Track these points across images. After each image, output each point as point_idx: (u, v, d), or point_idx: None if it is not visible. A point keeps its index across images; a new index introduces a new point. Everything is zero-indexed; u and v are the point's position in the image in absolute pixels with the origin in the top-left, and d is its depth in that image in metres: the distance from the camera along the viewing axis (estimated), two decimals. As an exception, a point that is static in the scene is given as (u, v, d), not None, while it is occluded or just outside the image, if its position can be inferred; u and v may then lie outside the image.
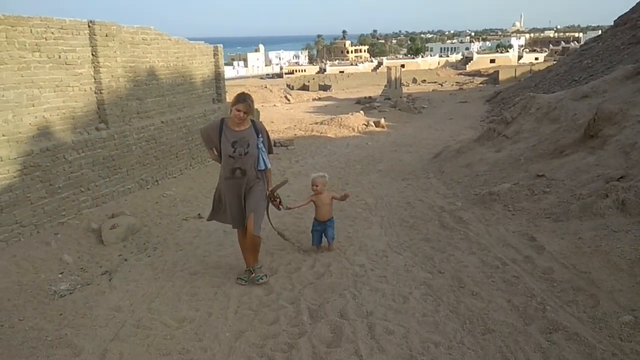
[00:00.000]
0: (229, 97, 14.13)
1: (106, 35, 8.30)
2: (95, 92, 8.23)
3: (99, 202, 8.02)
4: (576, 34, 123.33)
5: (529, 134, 9.60)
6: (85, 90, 8.01)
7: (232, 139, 4.76)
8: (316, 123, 18.70)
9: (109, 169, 8.29)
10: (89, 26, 8.06)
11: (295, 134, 16.51)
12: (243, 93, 4.76)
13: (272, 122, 20.24)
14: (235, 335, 4.11)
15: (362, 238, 6.36)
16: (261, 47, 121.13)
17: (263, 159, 4.92)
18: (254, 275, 5.08)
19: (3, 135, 6.50)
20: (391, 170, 10.84)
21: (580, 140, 7.88)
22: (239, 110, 4.66)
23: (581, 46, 34.31)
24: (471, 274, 4.94)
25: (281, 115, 21.72)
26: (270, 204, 5.39)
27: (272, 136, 15.47)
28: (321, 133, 16.80)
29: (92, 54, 8.11)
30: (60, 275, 5.63)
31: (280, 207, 5.45)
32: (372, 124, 18.10)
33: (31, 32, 6.96)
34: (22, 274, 5.62)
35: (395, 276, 5.10)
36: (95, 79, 8.20)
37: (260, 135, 4.90)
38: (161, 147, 9.79)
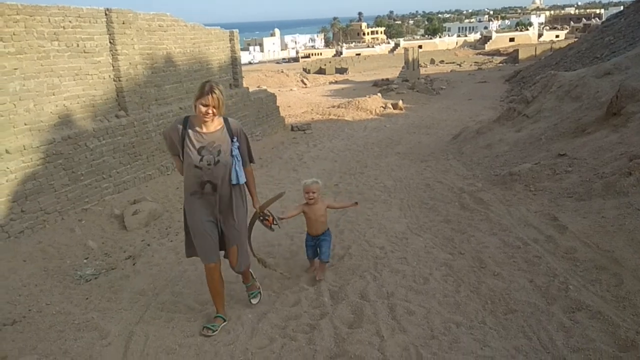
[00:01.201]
0: (246, 83, 14.17)
1: (123, 23, 8.34)
2: (114, 80, 8.30)
3: (121, 188, 8.14)
4: (597, 10, 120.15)
5: (550, 112, 9.44)
6: (104, 78, 8.08)
7: (199, 144, 3.59)
8: (333, 106, 18.62)
9: (130, 156, 8.39)
10: (105, 14, 8.11)
11: (312, 118, 16.48)
12: (209, 82, 3.56)
13: (289, 106, 20.21)
14: (258, 316, 4.16)
15: (382, 220, 6.36)
16: (277, 31, 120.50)
17: (236, 170, 3.76)
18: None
19: (25, 124, 6.61)
20: (410, 153, 10.78)
21: (602, 118, 7.73)
22: (205, 105, 3.46)
23: (603, 22, 33.48)
24: (492, 255, 4.92)
25: (298, 100, 21.67)
26: (256, 224, 4.32)
27: (289, 120, 15.50)
28: (338, 116, 16.73)
29: (110, 42, 8.17)
30: (85, 261, 5.75)
31: (273, 226, 4.24)
32: (390, 106, 17.97)
33: (49, 21, 7.03)
34: (48, 260, 5.74)
35: (416, 257, 5.10)
36: (113, 67, 8.26)
37: (235, 139, 3.75)
38: (180, 134, 9.85)
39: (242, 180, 3.83)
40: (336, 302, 4.30)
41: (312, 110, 18.31)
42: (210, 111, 3.48)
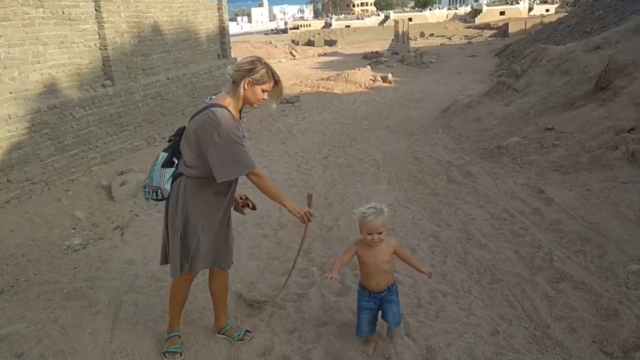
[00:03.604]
0: (234, 54, 13.94)
1: (108, -10, 8.14)
2: (100, 49, 8.15)
3: (108, 159, 8.06)
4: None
5: (539, 86, 9.46)
6: (90, 47, 7.92)
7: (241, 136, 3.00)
8: (322, 79, 18.47)
9: (116, 126, 8.29)
10: (90, -20, 7.90)
11: (301, 91, 16.34)
12: (266, 63, 3.00)
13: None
14: (247, 286, 4.19)
15: (371, 193, 6.39)
16: (265, 1, 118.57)
17: None
18: (230, 330, 3.49)
19: (10, 93, 6.49)
20: (399, 126, 10.77)
21: (591, 93, 7.77)
22: (265, 91, 2.96)
23: (594, -3, 33.26)
24: (479, 226, 4.98)
25: (286, 72, 21.46)
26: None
27: (278, 92, 15.39)
28: (327, 89, 16.61)
29: (96, 9, 7.98)
30: (72, 231, 5.72)
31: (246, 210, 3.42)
32: (380, 79, 17.85)
33: (33, -14, 6.84)
34: (35, 230, 5.71)
35: (403, 229, 5.15)
36: (99, 35, 8.09)
37: (244, 119, 3.27)
38: (167, 104, 9.75)
39: None
40: (324, 272, 4.34)
41: (301, 82, 18.16)
42: (266, 97, 3.00)
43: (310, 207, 3.18)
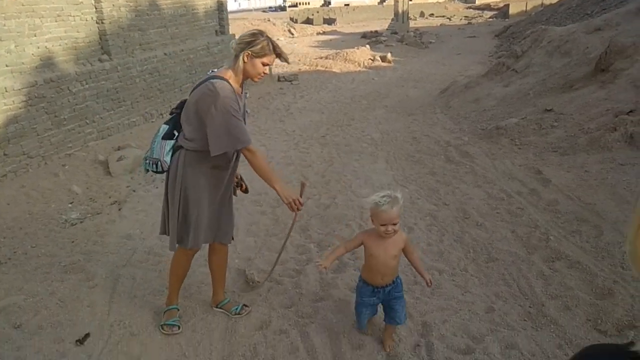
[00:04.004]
0: (232, 31, 13.79)
1: (105, -38, 8.00)
2: (96, 22, 8.03)
3: (105, 134, 8.01)
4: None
5: (539, 67, 9.41)
6: (86, 20, 7.81)
7: (241, 110, 2.97)
8: (321, 58, 18.33)
9: (113, 102, 8.22)
10: (87, -48, 7.75)
11: (299, 69, 16.22)
12: (265, 34, 2.89)
13: (276, 56, 19.84)
14: (244, 262, 4.21)
15: (368, 172, 6.39)
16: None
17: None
18: (227, 304, 3.51)
19: (6, 66, 6.41)
20: (397, 106, 10.73)
21: (591, 74, 7.74)
22: (266, 65, 2.88)
23: (596, -22, 32.92)
24: (476, 206, 4.99)
25: (285, 50, 21.24)
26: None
27: (275, 70, 15.26)
28: (326, 68, 16.50)
29: (92, -18, 7.85)
30: (70, 205, 5.71)
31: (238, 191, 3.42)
32: (379, 58, 17.73)
33: (28, -43, 6.71)
34: (32, 204, 5.70)
35: (401, 208, 5.15)
36: (96, 9, 7.97)
37: (247, 94, 3.20)
38: (165, 80, 9.66)
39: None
40: (322, 249, 4.37)
41: (299, 60, 18.02)
42: (267, 71, 2.93)
43: (302, 196, 3.03)
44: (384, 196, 2.71)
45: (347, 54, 17.88)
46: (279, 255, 3.52)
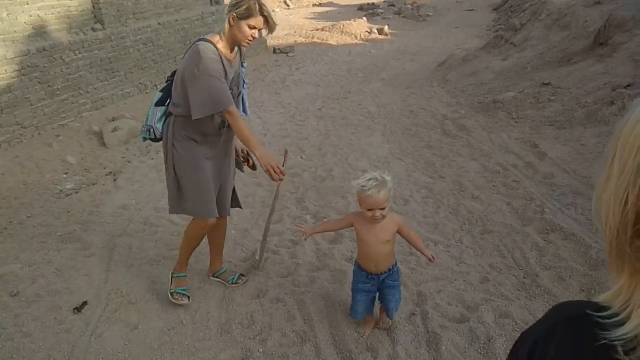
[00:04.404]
0: (227, 0, 13.59)
1: None
2: (89, -10, 7.88)
3: (99, 105, 7.92)
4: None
5: (537, 41, 9.33)
6: (78, -12, 7.66)
7: (230, 75, 2.86)
8: (317, 30, 18.09)
9: (107, 72, 8.11)
10: None
11: (295, 41, 16.01)
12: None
13: (272, 28, 19.59)
14: (241, 233, 4.22)
15: (365, 146, 6.37)
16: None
17: (246, 101, 3.22)
18: (224, 273, 3.53)
19: (-2, 34, 6.31)
20: (394, 79, 10.65)
21: (589, 48, 7.68)
22: (253, 28, 2.71)
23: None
24: (472, 179, 5.00)
25: (281, 22, 20.94)
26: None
27: (271, 42, 15.08)
28: (322, 40, 16.30)
29: (84, -52, 7.67)
30: (65, 176, 5.68)
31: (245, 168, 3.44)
32: (376, 31, 17.50)
33: None
34: (27, 174, 5.66)
35: (397, 181, 5.15)
36: (88, -24, 7.82)
37: (245, 64, 3.12)
38: (159, 51, 9.52)
39: (249, 111, 3.29)
40: (318, 220, 4.38)
41: (295, 33, 17.80)
42: (257, 35, 2.78)
43: (284, 165, 2.90)
44: (370, 179, 2.51)
45: (343, 26, 17.66)
46: (267, 230, 3.39)
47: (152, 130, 2.95)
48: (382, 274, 2.74)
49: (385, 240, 2.67)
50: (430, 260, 2.76)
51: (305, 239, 3.18)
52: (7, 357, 2.86)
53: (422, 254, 2.81)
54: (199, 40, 2.75)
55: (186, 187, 2.97)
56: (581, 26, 8.78)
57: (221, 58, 2.74)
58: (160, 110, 2.95)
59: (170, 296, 3.21)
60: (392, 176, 2.64)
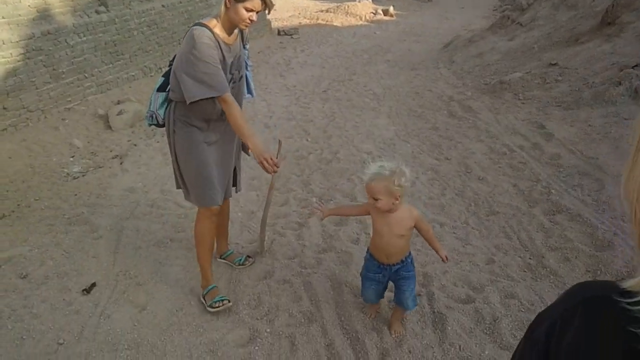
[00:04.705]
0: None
1: None
2: (92, -28, 7.82)
3: (104, 88, 7.92)
4: None
5: (544, 21, 9.22)
6: (81, -30, 7.60)
7: (229, 59, 2.78)
8: (321, 11, 17.93)
9: (112, 55, 8.09)
10: None
11: (299, 22, 15.89)
12: None
13: (275, 9, 19.43)
14: (247, 215, 4.24)
15: (370, 127, 6.35)
16: None
17: (250, 83, 3.19)
18: (231, 255, 3.56)
19: (3, 18, 6.26)
20: (400, 60, 10.57)
21: (596, 28, 7.59)
22: (250, 10, 2.60)
23: None
24: (478, 160, 4.99)
25: (285, 3, 20.78)
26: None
27: (275, 24, 14.97)
28: (327, 21, 16.17)
29: None
30: (71, 159, 5.70)
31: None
32: (380, 12, 17.34)
33: None
34: (34, 157, 5.69)
35: (402, 162, 5.14)
36: (91, -42, 7.75)
37: (247, 45, 3.03)
38: (163, 33, 9.47)
39: (254, 92, 3.26)
40: (324, 202, 4.38)
41: (299, 14, 17.65)
42: (255, 18, 2.64)
43: (278, 156, 2.80)
44: (380, 166, 2.43)
45: (348, 7, 17.49)
46: (264, 222, 3.32)
47: (154, 115, 2.91)
48: (394, 264, 2.65)
49: (399, 234, 2.56)
50: (443, 260, 2.65)
51: (322, 219, 3.12)
52: (17, 337, 2.90)
53: (437, 253, 2.68)
54: (195, 25, 2.66)
55: (187, 175, 2.92)
56: (588, 5, 8.67)
57: (218, 42, 2.64)
58: (162, 95, 2.90)
59: (210, 309, 3.04)
60: (409, 169, 2.49)
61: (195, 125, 2.82)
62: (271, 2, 2.69)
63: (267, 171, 2.67)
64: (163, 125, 2.94)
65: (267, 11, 2.74)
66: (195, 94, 2.60)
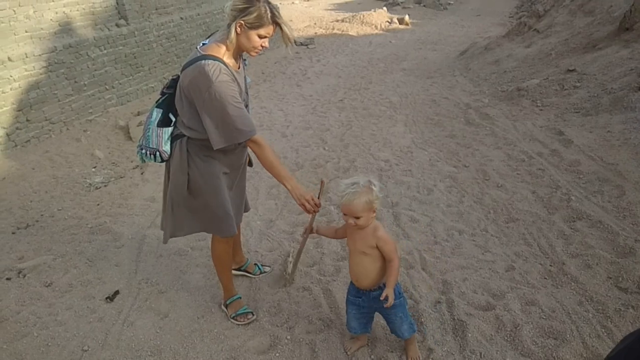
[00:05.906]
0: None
1: None
2: (112, -13, 8.00)
3: (124, 100, 8.07)
4: None
5: (561, 27, 9.18)
6: (102, -15, 7.78)
7: (243, 87, 2.60)
8: (337, 21, 18.03)
9: (132, 67, 8.25)
10: None
11: (315, 33, 16.00)
12: (268, 3, 2.42)
13: (292, 20, 19.59)
14: (266, 223, 4.27)
15: (387, 135, 6.37)
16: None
17: (251, 109, 2.98)
18: (251, 265, 3.55)
19: (26, 32, 6.44)
20: (416, 69, 10.58)
21: (614, 34, 7.53)
22: (263, 37, 2.45)
23: None
24: (496, 167, 4.97)
25: (300, 14, 20.95)
26: None
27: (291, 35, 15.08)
28: (342, 31, 16.25)
29: (107, -55, 7.78)
30: (93, 169, 5.81)
31: None
32: (396, 21, 17.39)
33: None
34: (57, 168, 5.81)
35: (420, 170, 5.16)
36: (111, -27, 7.93)
37: (246, 59, 2.75)
38: (181, 45, 9.63)
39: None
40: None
41: (315, 24, 17.78)
42: (267, 44, 2.47)
43: (320, 196, 2.65)
44: (354, 184, 2.33)
45: (363, 16, 17.58)
46: (298, 256, 3.17)
47: (157, 153, 2.60)
48: (372, 290, 2.50)
49: (360, 250, 2.44)
50: (380, 298, 2.34)
51: (305, 234, 2.88)
52: (43, 344, 2.96)
53: (386, 285, 2.40)
54: (201, 58, 2.38)
55: (203, 207, 2.73)
56: (606, 11, 8.61)
57: (232, 73, 2.44)
58: (166, 131, 2.61)
59: (233, 321, 3.05)
60: (379, 186, 2.40)
61: (214, 157, 2.64)
62: (290, 31, 2.46)
63: (307, 212, 2.59)
64: (163, 161, 2.70)
65: (286, 45, 2.50)
66: (225, 141, 2.46)
